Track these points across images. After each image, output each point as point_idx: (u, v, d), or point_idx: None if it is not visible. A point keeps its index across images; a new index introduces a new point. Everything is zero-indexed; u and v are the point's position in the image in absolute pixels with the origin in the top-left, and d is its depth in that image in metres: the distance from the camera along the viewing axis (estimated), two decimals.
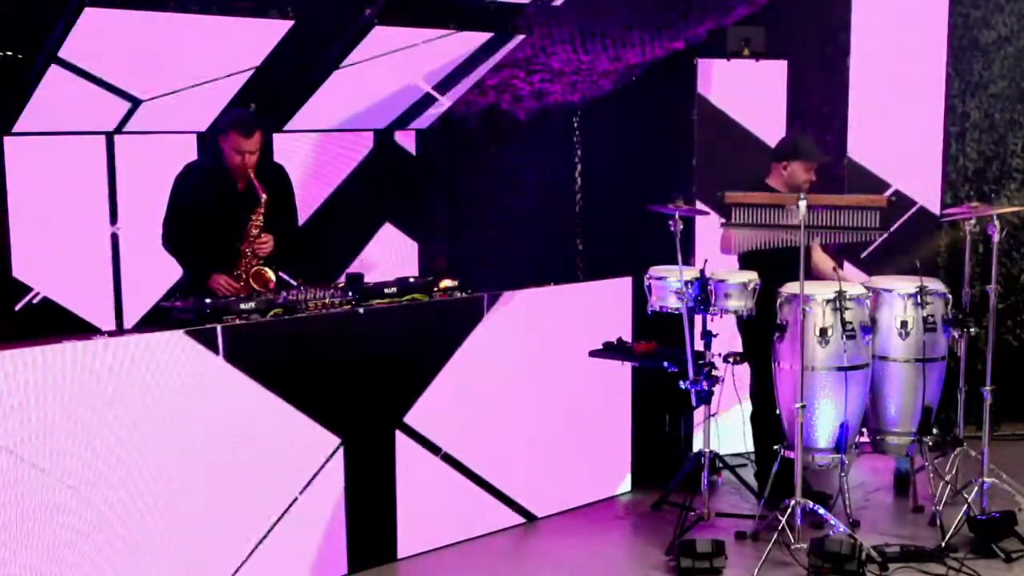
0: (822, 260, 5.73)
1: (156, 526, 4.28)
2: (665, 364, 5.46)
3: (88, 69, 5.15)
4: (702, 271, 5.29)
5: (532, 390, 5.49)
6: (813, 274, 5.52)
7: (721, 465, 5.81)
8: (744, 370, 5.63)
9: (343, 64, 5.87)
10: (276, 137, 6.22)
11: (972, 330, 5.51)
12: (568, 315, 5.65)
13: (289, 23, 5.37)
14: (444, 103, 6.61)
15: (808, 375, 5.09)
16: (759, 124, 6.52)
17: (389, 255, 6.94)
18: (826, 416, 5.22)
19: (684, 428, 5.97)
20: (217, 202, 5.20)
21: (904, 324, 5.36)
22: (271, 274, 5.23)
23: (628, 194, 6.56)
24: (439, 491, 5.18)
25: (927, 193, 6.64)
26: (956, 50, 6.80)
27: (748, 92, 6.53)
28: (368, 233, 6.87)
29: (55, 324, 5.54)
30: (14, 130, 5.38)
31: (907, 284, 5.41)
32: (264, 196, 5.15)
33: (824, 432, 5.24)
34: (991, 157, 7.05)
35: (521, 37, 6.22)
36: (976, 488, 5.28)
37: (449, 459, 5.21)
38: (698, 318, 5.32)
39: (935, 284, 5.48)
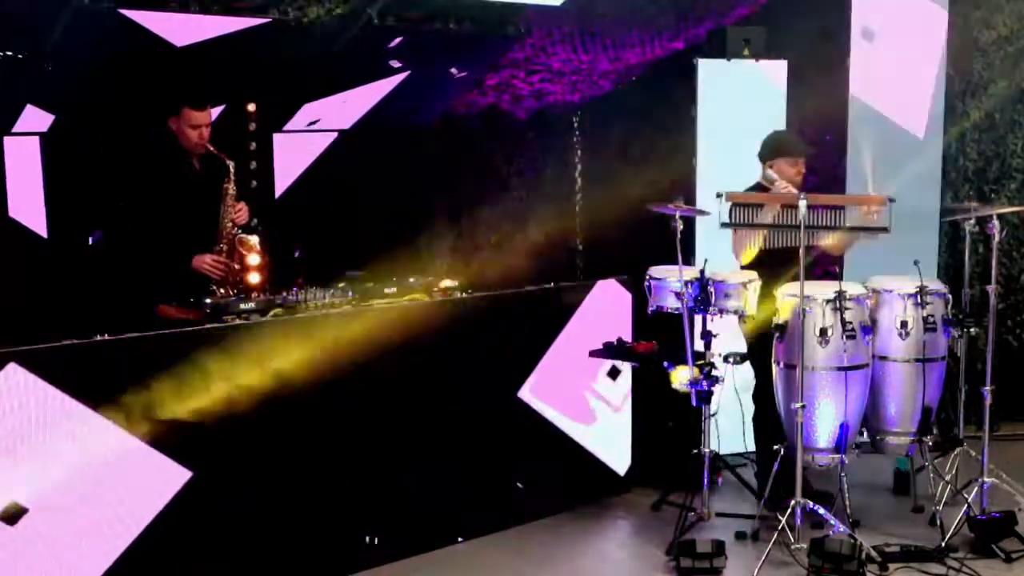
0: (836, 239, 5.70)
1: None
2: (665, 364, 5.46)
3: None
4: (702, 271, 5.28)
5: (531, 390, 5.49)
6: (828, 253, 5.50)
7: (721, 465, 5.80)
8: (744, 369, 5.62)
9: (342, 63, 5.87)
10: (276, 137, 6.22)
11: (972, 330, 5.51)
12: (568, 315, 5.64)
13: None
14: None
15: (808, 375, 5.08)
16: None
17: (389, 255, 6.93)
18: (826, 416, 5.22)
19: (684, 428, 5.95)
20: (179, 187, 5.11)
21: (904, 324, 5.35)
22: (254, 239, 5.14)
23: (628, 194, 6.54)
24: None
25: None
26: (956, 50, 6.79)
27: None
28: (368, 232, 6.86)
29: None
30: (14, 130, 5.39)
31: (907, 284, 5.41)
32: (231, 163, 5.07)
33: (824, 432, 5.24)
34: (991, 157, 7.05)
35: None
36: (976, 488, 5.28)
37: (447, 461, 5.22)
38: (698, 318, 5.31)
39: (935, 284, 5.48)
